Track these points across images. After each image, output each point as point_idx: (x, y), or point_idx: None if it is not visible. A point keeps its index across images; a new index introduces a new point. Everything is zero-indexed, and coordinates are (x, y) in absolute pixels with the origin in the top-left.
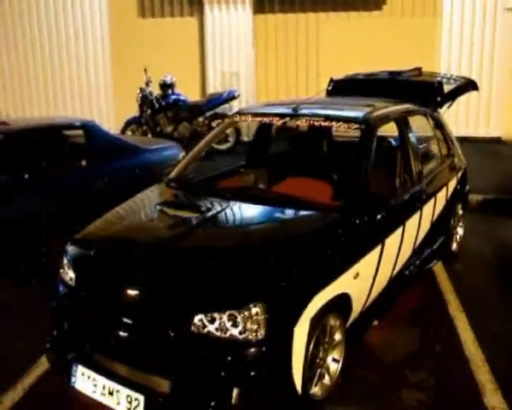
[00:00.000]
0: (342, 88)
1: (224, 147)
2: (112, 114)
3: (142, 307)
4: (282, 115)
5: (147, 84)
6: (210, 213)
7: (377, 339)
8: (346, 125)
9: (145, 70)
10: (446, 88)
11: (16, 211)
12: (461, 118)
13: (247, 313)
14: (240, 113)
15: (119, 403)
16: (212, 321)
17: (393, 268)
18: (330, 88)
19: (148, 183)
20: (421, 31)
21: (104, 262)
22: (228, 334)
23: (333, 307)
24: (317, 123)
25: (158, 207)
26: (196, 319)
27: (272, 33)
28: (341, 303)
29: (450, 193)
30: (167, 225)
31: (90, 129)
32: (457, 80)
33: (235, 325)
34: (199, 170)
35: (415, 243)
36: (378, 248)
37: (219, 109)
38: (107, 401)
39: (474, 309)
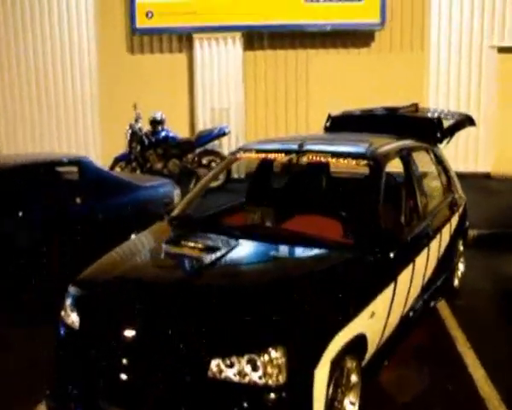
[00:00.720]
0: (340, 124)
1: (214, 184)
2: (99, 151)
3: (155, 352)
4: (287, 151)
5: (136, 120)
6: (220, 253)
7: (388, 379)
8: (353, 162)
9: (134, 106)
10: (445, 124)
11: (12, 247)
12: (450, 153)
13: (267, 357)
14: (243, 149)
15: None
16: (231, 366)
17: (404, 306)
18: (329, 124)
19: (144, 220)
20: (409, 66)
21: (111, 305)
22: (247, 379)
23: (350, 349)
24: (323, 159)
25: (163, 246)
26: (213, 364)
27: (262, 70)
28: (358, 344)
29: (453, 229)
30: (176, 265)
31: (84, 165)
32: (455, 116)
33: (254, 369)
34: (199, 208)
35: (423, 279)
36: (391, 286)
37: (209, 146)
38: None
39: (482, 345)
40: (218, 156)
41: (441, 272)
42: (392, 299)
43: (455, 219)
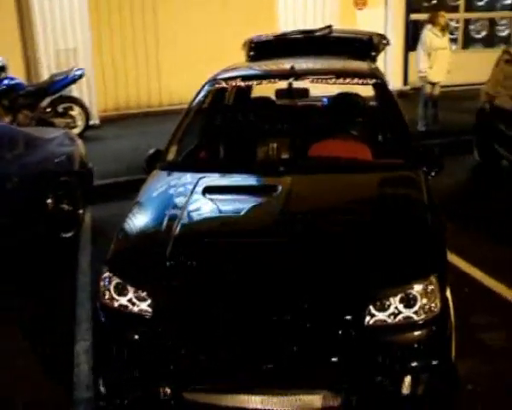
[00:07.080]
0: (264, 51)
1: (75, 131)
2: None
3: (299, 313)
4: (281, 76)
5: None
6: (282, 190)
7: None
8: (358, 81)
9: None
10: None
11: None
12: None
13: (423, 287)
14: (221, 78)
15: None
16: (384, 308)
17: None
18: (253, 53)
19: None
20: None
21: (201, 272)
22: (399, 318)
23: None
24: (326, 81)
25: (206, 196)
26: (367, 310)
27: (105, 6)
28: None
29: None
30: (250, 213)
31: None
32: (373, 36)
33: (409, 305)
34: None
35: None
36: None
37: (64, 92)
38: None
39: (461, 246)
40: (76, 102)
41: None
42: None
43: None
